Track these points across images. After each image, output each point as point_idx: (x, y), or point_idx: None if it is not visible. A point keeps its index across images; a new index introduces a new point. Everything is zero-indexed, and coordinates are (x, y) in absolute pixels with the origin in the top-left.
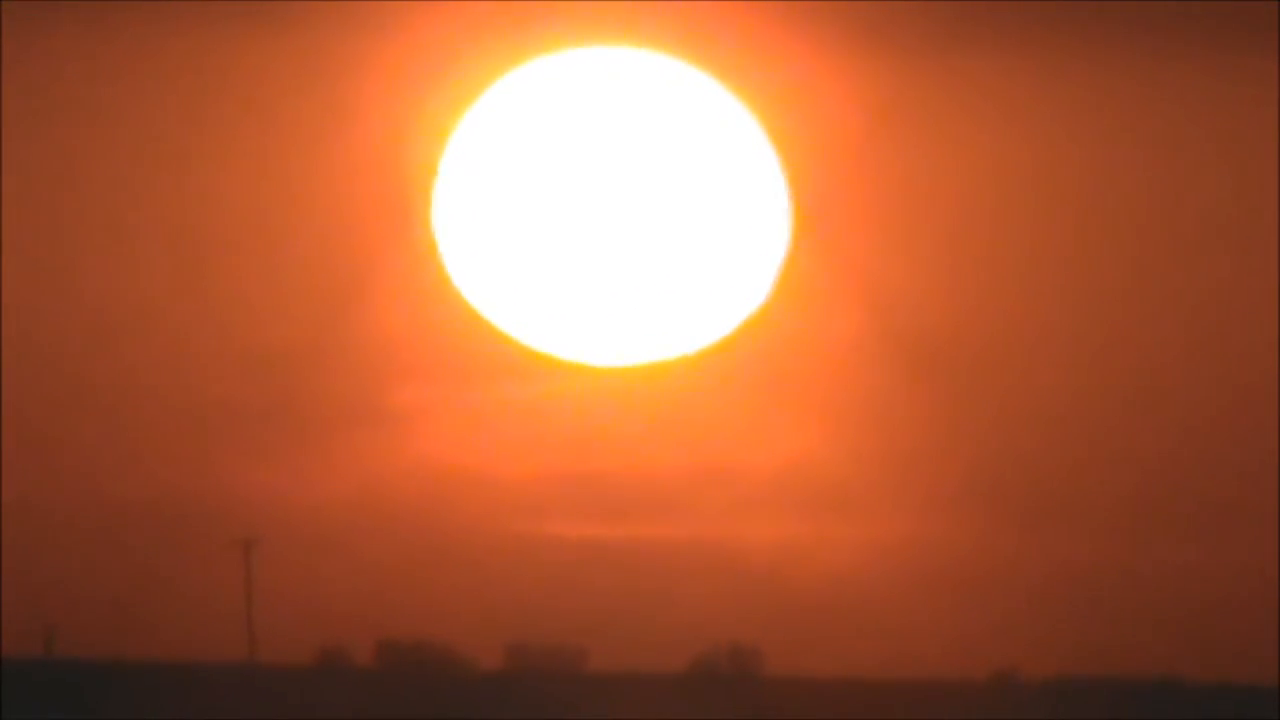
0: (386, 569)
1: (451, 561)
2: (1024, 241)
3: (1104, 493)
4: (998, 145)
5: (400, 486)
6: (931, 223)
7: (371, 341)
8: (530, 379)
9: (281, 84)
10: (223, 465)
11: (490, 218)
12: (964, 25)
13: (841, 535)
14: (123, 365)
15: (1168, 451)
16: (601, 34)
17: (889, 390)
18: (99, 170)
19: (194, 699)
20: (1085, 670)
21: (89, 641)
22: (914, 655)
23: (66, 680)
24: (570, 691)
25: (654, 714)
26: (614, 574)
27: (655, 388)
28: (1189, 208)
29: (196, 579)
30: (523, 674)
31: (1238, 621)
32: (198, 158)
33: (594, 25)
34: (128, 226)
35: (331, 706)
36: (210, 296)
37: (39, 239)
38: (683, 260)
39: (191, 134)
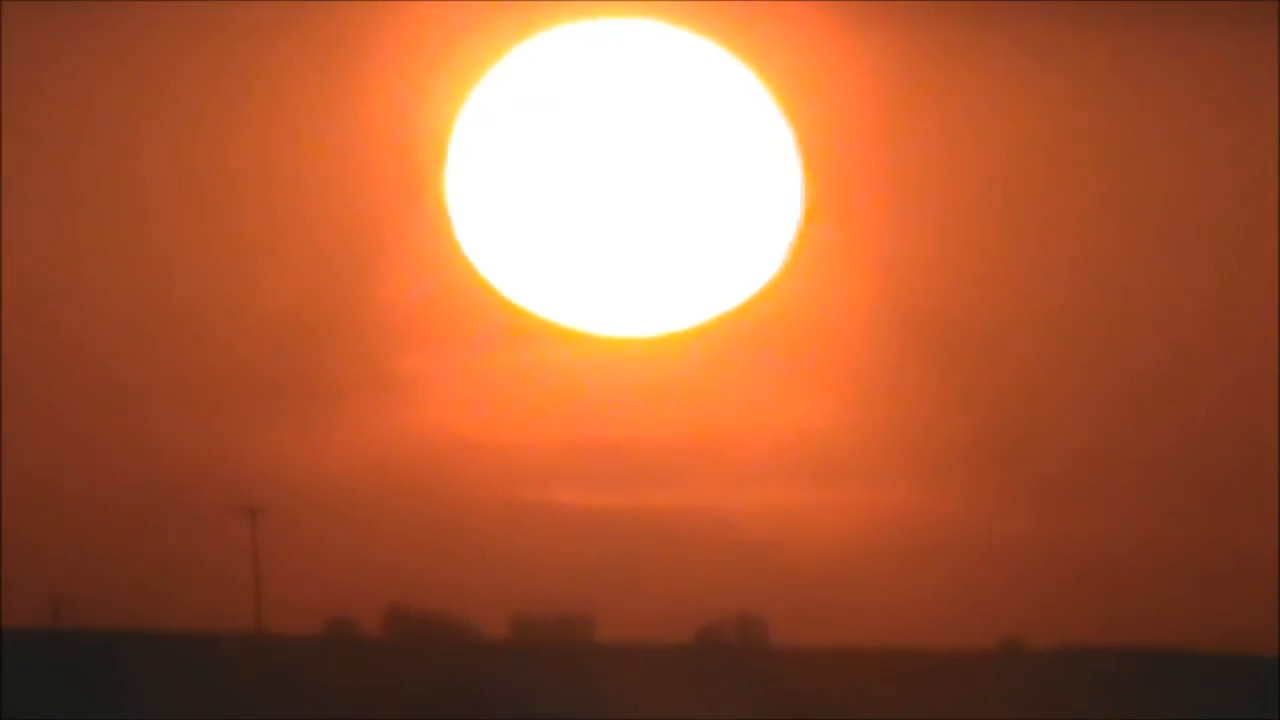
0: (394, 538)
1: (459, 530)
2: (1036, 216)
3: (1110, 464)
4: (1012, 120)
5: (408, 455)
6: (944, 196)
7: (382, 310)
8: (541, 348)
9: (293, 57)
10: (231, 434)
11: (502, 187)
12: (982, 3)
13: (849, 505)
14: (131, 336)
15: (1174, 424)
16: (614, 6)
17: (898, 362)
18: (107, 143)
19: (201, 669)
20: (1092, 639)
21: (96, 611)
22: (921, 624)
23: (73, 650)
24: (577, 661)
25: (661, 684)
26: (621, 543)
27: (666, 357)
28: (1204, 186)
29: (204, 548)
30: (530, 644)
31: (1244, 591)
32: (208, 128)
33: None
34: (137, 198)
35: (339, 676)
36: (220, 266)
37: (46, 210)
38: (695, 232)
39: (202, 104)
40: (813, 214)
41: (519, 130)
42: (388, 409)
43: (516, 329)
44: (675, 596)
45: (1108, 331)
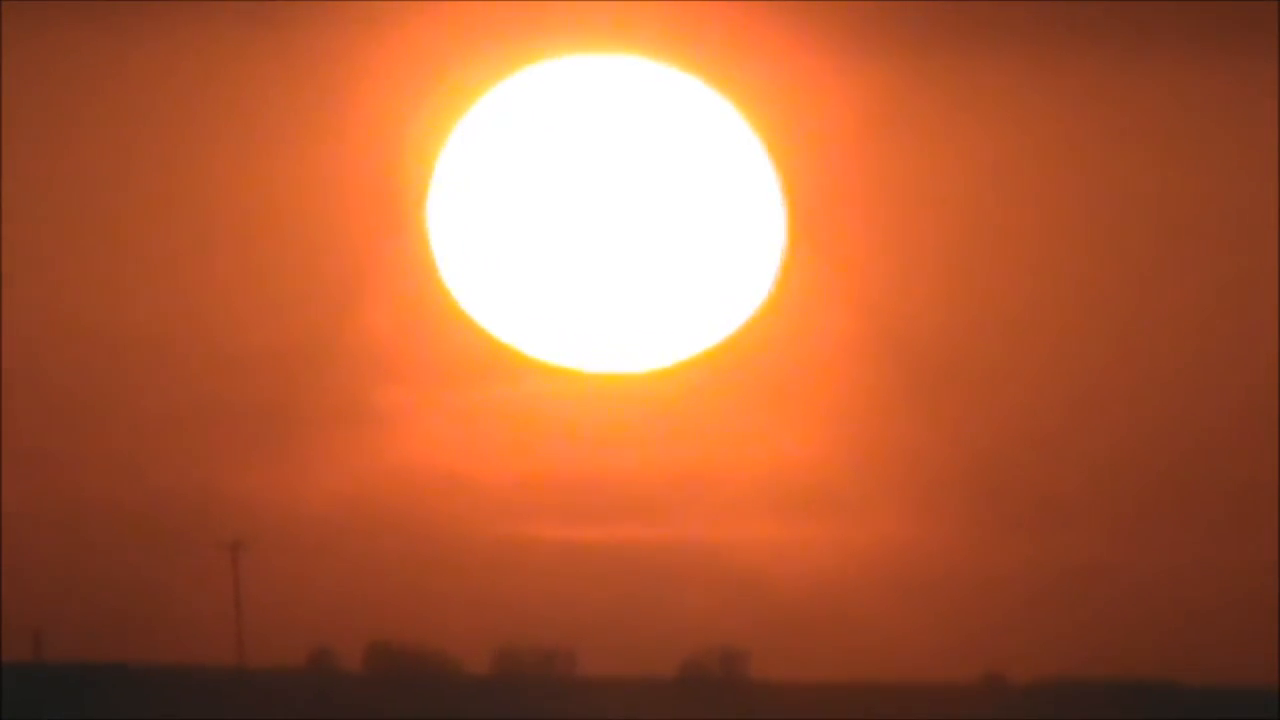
0: (375, 572)
1: (440, 565)
2: (1022, 246)
3: (1096, 496)
4: (993, 147)
5: (389, 489)
6: (928, 227)
7: (363, 344)
8: (523, 383)
9: (275, 85)
10: (210, 467)
11: (484, 221)
12: (959, 26)
13: (834, 538)
14: (109, 367)
15: (1161, 455)
16: (595, 40)
17: (884, 394)
18: (86, 172)
19: (183, 702)
20: (1076, 672)
21: (77, 645)
22: (905, 658)
23: (54, 684)
24: (560, 695)
25: (644, 718)
26: (603, 577)
27: (648, 392)
28: (1189, 209)
29: (184, 582)
30: (512, 678)
31: (1229, 623)
32: (187, 158)
33: (588, 31)
34: (114, 227)
35: (320, 710)
36: (198, 297)
37: (24, 242)
38: (678, 267)
39: (181, 134)
40: (795, 247)
41: (502, 164)
42: (369, 443)
43: (498, 363)
44: (658, 630)
45: (1098, 362)
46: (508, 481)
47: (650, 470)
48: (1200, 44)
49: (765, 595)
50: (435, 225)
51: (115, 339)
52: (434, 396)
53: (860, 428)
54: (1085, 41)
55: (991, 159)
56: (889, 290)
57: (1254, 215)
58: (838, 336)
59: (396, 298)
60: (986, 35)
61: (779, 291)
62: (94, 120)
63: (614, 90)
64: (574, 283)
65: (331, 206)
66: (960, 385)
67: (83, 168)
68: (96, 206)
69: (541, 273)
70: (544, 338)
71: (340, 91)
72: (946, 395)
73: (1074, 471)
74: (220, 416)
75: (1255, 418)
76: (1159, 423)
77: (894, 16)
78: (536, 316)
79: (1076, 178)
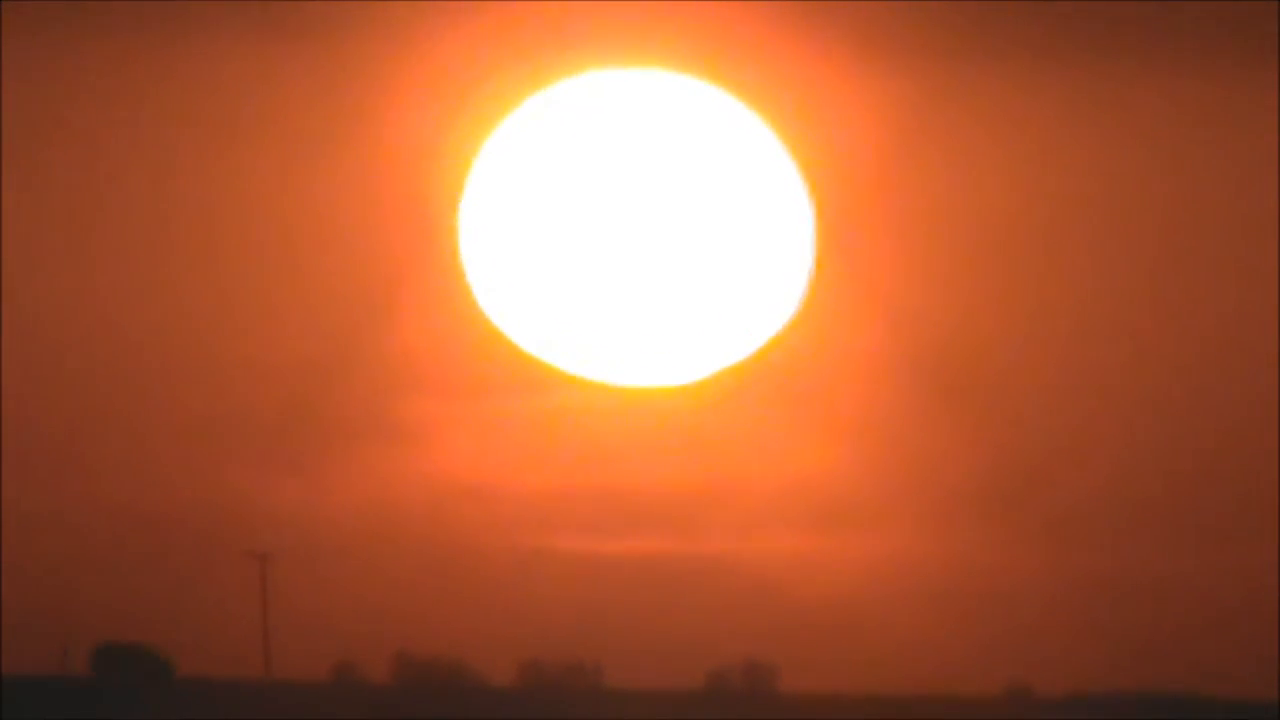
0: (402, 583)
1: (467, 576)
2: (1044, 258)
3: (1119, 507)
4: (1019, 161)
5: (417, 500)
6: (954, 239)
7: (393, 356)
8: (550, 395)
9: (309, 99)
10: (240, 479)
11: (514, 235)
12: (985, 42)
13: (858, 550)
14: (142, 377)
15: (1183, 466)
16: (626, 55)
17: (907, 407)
18: (123, 182)
19: (211, 713)
20: (1101, 685)
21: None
22: (930, 670)
23: (83, 696)
24: (585, 706)
25: None
26: (630, 589)
27: (676, 405)
28: (1214, 222)
29: (212, 592)
30: (538, 689)
31: (1256, 633)
32: (223, 171)
33: (619, 46)
34: (151, 239)
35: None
36: (233, 310)
37: (60, 251)
38: (705, 280)
39: (218, 147)
40: (823, 262)
41: (532, 178)
42: (397, 455)
43: (525, 376)
44: (683, 642)
45: (1116, 372)
46: (534, 493)
47: (676, 483)
48: (1228, 60)
49: (790, 606)
50: (466, 238)
51: (149, 350)
52: (462, 409)
53: (886, 441)
54: (1110, 58)
55: (1018, 173)
56: (915, 305)
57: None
58: (864, 351)
59: (426, 311)
60: (1013, 53)
61: (806, 307)
62: (133, 130)
63: (644, 104)
64: (602, 296)
65: (364, 220)
66: (982, 397)
67: (121, 176)
68: (136, 223)
69: (570, 286)
70: (571, 351)
71: (374, 105)
72: (969, 407)
73: (1094, 483)
74: (249, 428)
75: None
76: (1179, 435)
77: (921, 31)
78: (564, 330)
79: (1101, 191)
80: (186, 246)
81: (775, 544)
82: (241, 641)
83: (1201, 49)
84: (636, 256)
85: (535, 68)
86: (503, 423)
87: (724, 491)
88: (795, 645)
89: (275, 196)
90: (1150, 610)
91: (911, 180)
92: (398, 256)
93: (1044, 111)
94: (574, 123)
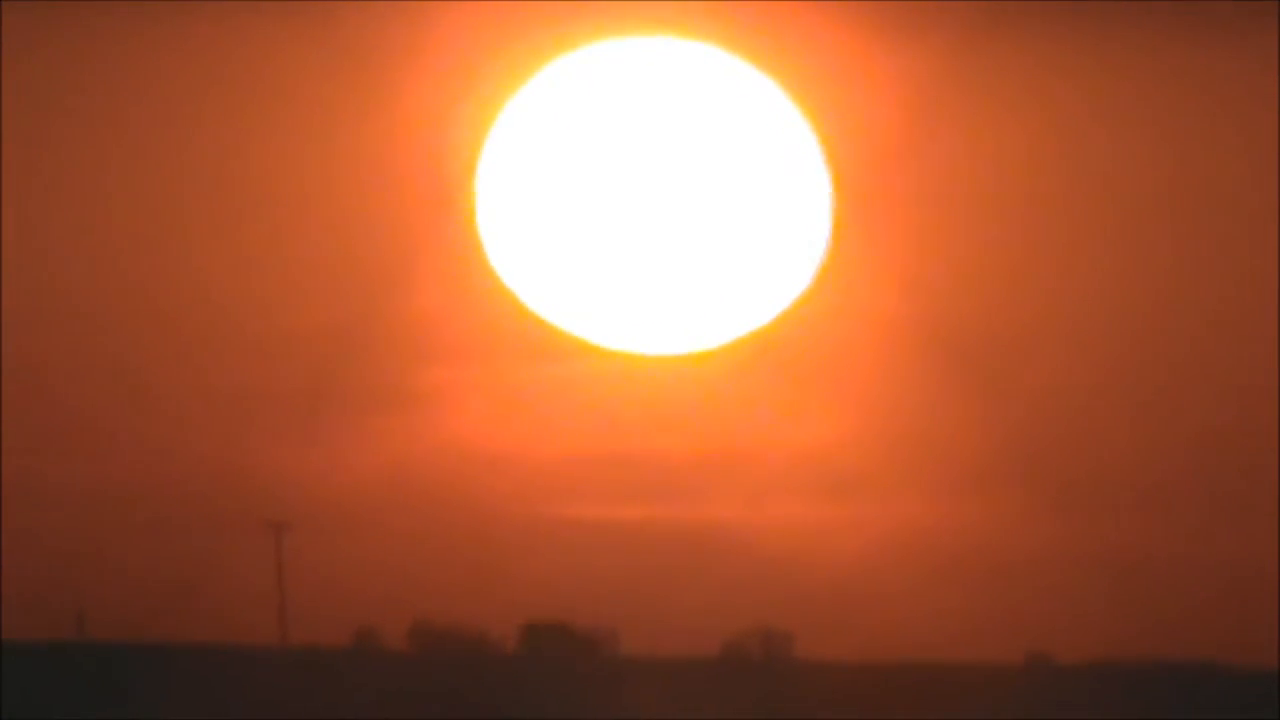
0: (419, 551)
1: (484, 543)
2: (1063, 229)
3: (1135, 475)
4: (1040, 133)
5: (433, 468)
6: (972, 211)
7: (409, 324)
8: (566, 363)
9: (324, 64)
10: (254, 447)
11: (530, 202)
12: (1007, 12)
13: (873, 518)
14: (159, 349)
15: (1201, 435)
16: (642, 23)
17: (924, 378)
18: (137, 149)
19: (226, 681)
20: (1120, 652)
21: (120, 624)
22: (945, 638)
23: (99, 662)
24: (601, 674)
25: (686, 698)
26: (645, 557)
27: (690, 373)
28: (1232, 201)
29: (229, 561)
30: (553, 656)
31: (1270, 605)
32: (236, 137)
33: (635, 15)
34: (165, 206)
35: (364, 688)
36: (247, 277)
37: (78, 213)
38: (721, 248)
39: (231, 113)
40: (840, 230)
41: (548, 145)
42: (413, 422)
43: (541, 343)
44: (698, 610)
45: (1133, 344)
46: (551, 461)
47: (692, 451)
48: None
49: (806, 576)
50: (481, 204)
51: (165, 321)
52: (477, 376)
53: (901, 411)
54: (1134, 31)
55: (1038, 145)
56: (932, 276)
57: None
58: (880, 321)
59: (442, 277)
60: (1035, 23)
61: (823, 275)
62: (143, 103)
63: (660, 72)
64: (618, 264)
65: (378, 185)
66: (998, 366)
67: (137, 150)
68: (150, 189)
69: (587, 254)
70: (588, 318)
71: (389, 73)
72: (984, 376)
73: (1108, 453)
74: (265, 396)
75: None
76: (1195, 404)
77: (943, 1)
78: (582, 298)
79: (1123, 164)
80: (200, 217)
81: (790, 512)
82: (258, 610)
83: (1234, 26)
84: (653, 225)
85: (551, 36)
86: (520, 391)
87: (739, 460)
88: (811, 614)
89: (288, 167)
90: (1168, 581)
91: (931, 151)
92: (414, 225)
93: (1066, 84)
94: (591, 90)
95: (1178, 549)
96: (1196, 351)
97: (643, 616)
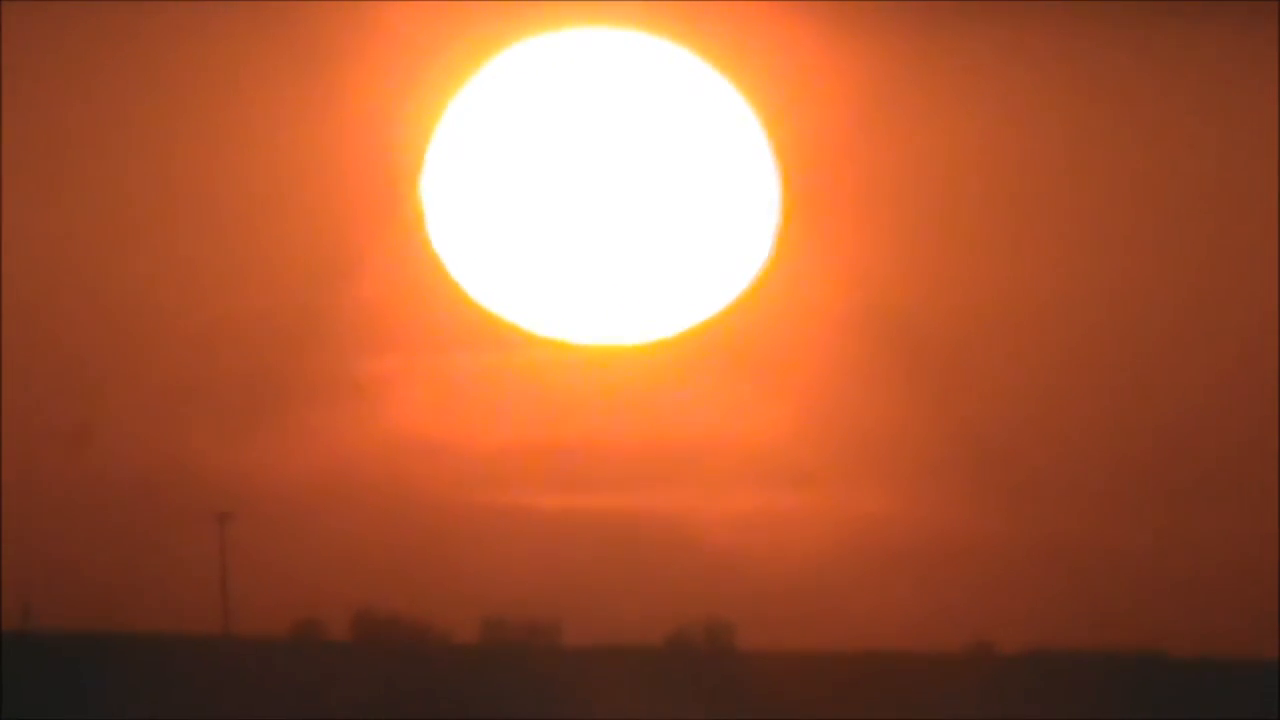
0: (362, 541)
1: (427, 533)
2: (1014, 224)
3: (1084, 468)
4: (992, 127)
5: (377, 458)
6: (922, 204)
7: (353, 314)
8: (512, 353)
9: (270, 55)
10: (198, 438)
11: (476, 193)
12: (958, 5)
13: (821, 511)
14: (101, 341)
15: (1150, 430)
16: (589, 15)
17: (873, 371)
18: (84, 150)
19: (169, 671)
20: (1065, 642)
21: (65, 614)
22: (891, 628)
23: (43, 653)
24: (546, 664)
25: (631, 687)
26: (590, 548)
27: (638, 364)
28: (1182, 190)
29: (171, 552)
30: (499, 646)
31: (1221, 594)
32: (180, 129)
33: (584, 7)
34: (106, 197)
35: (306, 678)
36: (190, 267)
37: (15, 215)
38: (670, 241)
39: (174, 105)
40: (789, 223)
41: (495, 136)
42: (357, 412)
43: (487, 334)
44: (644, 601)
45: (1083, 337)
46: (494, 451)
47: (638, 442)
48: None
49: (752, 567)
50: (427, 196)
51: (105, 310)
52: (422, 366)
53: (850, 405)
54: (1084, 25)
55: (991, 139)
56: (882, 269)
57: (1249, 197)
58: (829, 314)
59: (386, 267)
60: (986, 17)
61: (771, 267)
62: (87, 97)
63: (607, 64)
64: (564, 254)
65: (325, 180)
66: (948, 359)
67: (79, 144)
68: (91, 180)
69: (533, 245)
70: (533, 308)
71: (335, 64)
72: (934, 369)
73: (1058, 446)
74: (207, 387)
75: (1242, 390)
76: (1144, 397)
77: None
78: (526, 287)
79: (1073, 159)
80: (141, 208)
81: (738, 504)
82: (200, 601)
83: (1191, 11)
84: (600, 216)
85: (498, 28)
86: (464, 380)
87: (686, 452)
88: (757, 605)
89: (232, 157)
90: (1115, 571)
91: (881, 144)
92: (360, 216)
93: (1020, 76)
94: (538, 82)
95: (1126, 540)
96: (1148, 345)
97: (587, 607)
